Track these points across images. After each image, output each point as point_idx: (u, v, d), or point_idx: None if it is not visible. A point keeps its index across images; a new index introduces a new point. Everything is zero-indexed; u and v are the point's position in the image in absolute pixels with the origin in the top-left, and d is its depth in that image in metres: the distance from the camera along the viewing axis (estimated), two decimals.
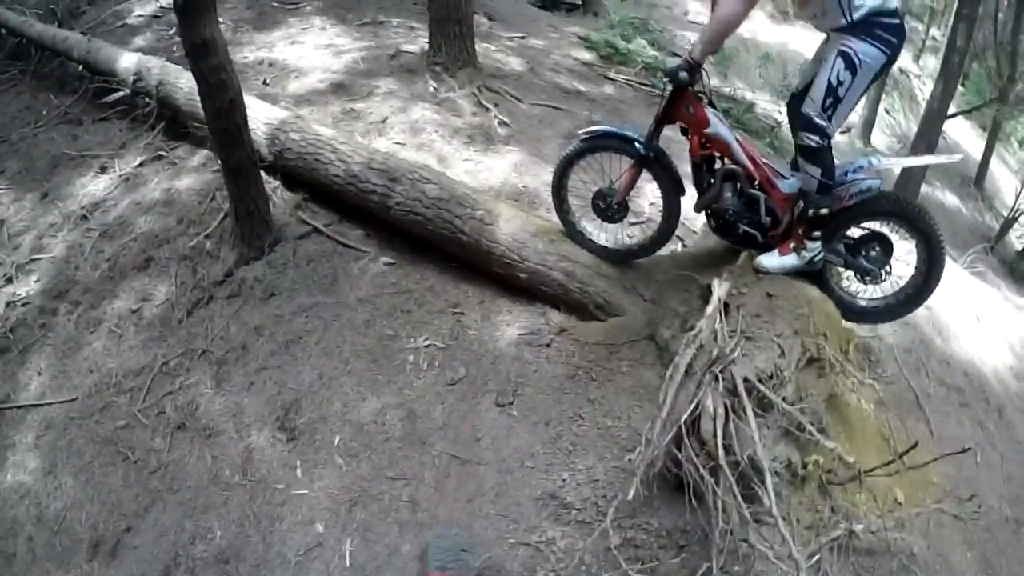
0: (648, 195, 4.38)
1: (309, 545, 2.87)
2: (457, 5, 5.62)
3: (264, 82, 5.71)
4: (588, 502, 2.79)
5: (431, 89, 5.52)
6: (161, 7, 7.37)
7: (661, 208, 3.40)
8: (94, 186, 5.01)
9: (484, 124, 5.13)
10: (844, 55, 2.73)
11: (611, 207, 3.41)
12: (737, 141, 3.11)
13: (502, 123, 5.21)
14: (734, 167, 3.12)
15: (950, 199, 13.42)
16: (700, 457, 2.54)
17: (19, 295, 4.42)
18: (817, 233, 3.06)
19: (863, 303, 3.27)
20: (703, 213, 3.28)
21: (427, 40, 5.91)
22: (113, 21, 7.27)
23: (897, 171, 10.86)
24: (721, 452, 2.47)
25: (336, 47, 6.38)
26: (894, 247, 3.09)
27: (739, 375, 2.63)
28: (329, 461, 3.09)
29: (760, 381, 2.65)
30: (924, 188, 10.74)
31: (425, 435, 3.11)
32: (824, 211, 2.99)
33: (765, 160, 3.12)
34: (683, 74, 2.92)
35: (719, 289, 2.98)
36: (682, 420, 2.55)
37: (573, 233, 3.59)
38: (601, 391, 3.14)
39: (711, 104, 3.10)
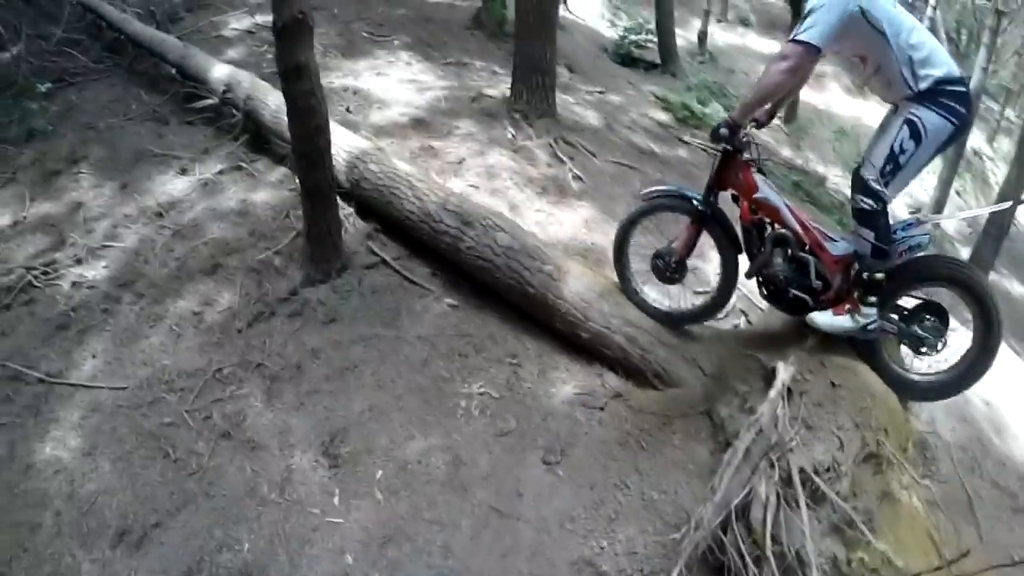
0: (715, 264, 4.40)
1: (335, 575, 2.84)
2: (542, 56, 5.79)
3: (348, 109, 5.88)
4: (624, 573, 2.73)
5: (509, 135, 5.64)
6: (256, 23, 7.67)
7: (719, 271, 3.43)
8: (172, 185, 5.15)
9: (558, 176, 5.21)
10: (910, 123, 2.75)
11: (670, 266, 3.44)
12: (786, 206, 3.15)
13: (576, 177, 5.29)
14: (784, 231, 3.15)
15: (1017, 288, 13.11)
16: (746, 544, 2.49)
17: (86, 277, 4.51)
18: (872, 299, 3.01)
19: (916, 378, 3.20)
20: (755, 280, 3.29)
21: (509, 86, 6.07)
22: (209, 30, 7.57)
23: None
24: (768, 542, 2.44)
25: (419, 83, 6.56)
26: (950, 318, 3.04)
27: (796, 465, 2.60)
28: (368, 494, 3.08)
29: (816, 473, 2.62)
30: (992, 276, 10.50)
31: (468, 482, 3.10)
32: (879, 276, 2.96)
33: (815, 224, 3.15)
34: (723, 130, 3.00)
35: (784, 373, 2.96)
36: (733, 505, 2.53)
37: (631, 293, 3.61)
38: (650, 462, 3.10)
39: (760, 171, 3.17)
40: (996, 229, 10.32)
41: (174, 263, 4.45)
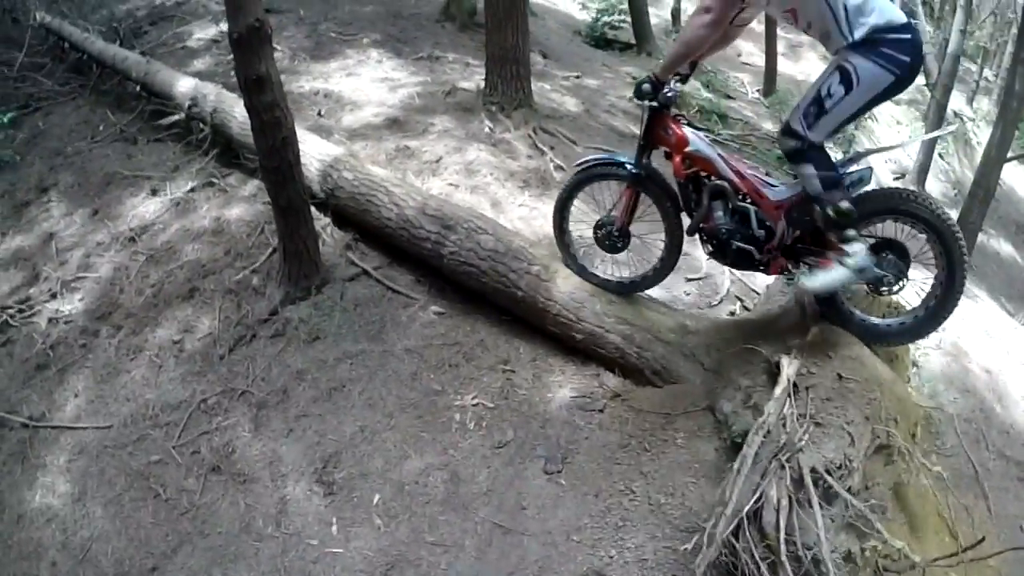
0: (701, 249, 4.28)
1: None
2: (515, 45, 5.61)
3: (319, 113, 5.71)
4: None
5: (486, 129, 5.50)
6: (221, 31, 7.45)
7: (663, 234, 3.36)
8: (144, 207, 5.00)
9: (539, 168, 5.08)
10: (841, 69, 2.63)
11: (612, 236, 3.38)
12: (720, 156, 3.07)
13: (558, 167, 5.16)
14: (721, 183, 3.06)
15: (1005, 248, 13.01)
16: (759, 549, 2.38)
17: (63, 312, 4.40)
18: (850, 233, 2.80)
19: (877, 322, 3.07)
20: (699, 238, 3.21)
21: (483, 78, 5.90)
22: (174, 43, 7.37)
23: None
24: (783, 548, 2.32)
25: (392, 81, 6.40)
26: (910, 254, 2.88)
27: (806, 465, 2.48)
28: (367, 520, 2.98)
29: (828, 472, 2.50)
30: (980, 237, 10.40)
31: (468, 500, 2.99)
32: (844, 205, 2.76)
33: (751, 171, 3.06)
34: (646, 86, 2.97)
35: (788, 368, 2.84)
36: (744, 511, 2.41)
37: (575, 267, 3.56)
38: (655, 464, 2.99)
39: (690, 125, 3.11)
40: (983, 191, 10.25)
41: (150, 290, 4.32)
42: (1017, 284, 12.05)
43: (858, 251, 2.79)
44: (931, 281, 2.93)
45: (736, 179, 3.04)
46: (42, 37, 7.44)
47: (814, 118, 2.72)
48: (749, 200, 3.04)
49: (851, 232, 2.81)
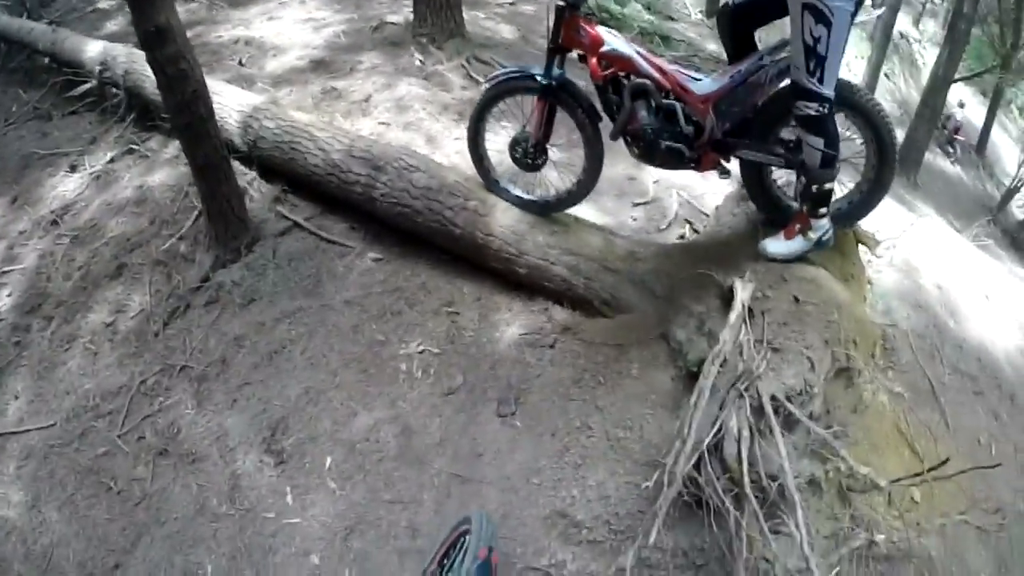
0: (651, 173, 4.06)
1: None
2: None
3: (240, 62, 5.39)
4: (599, 520, 2.52)
5: (417, 63, 5.21)
6: None
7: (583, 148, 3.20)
8: (64, 187, 4.72)
9: (474, 99, 4.77)
10: (810, 7, 2.38)
11: (528, 153, 3.23)
12: (639, 54, 2.87)
13: None
14: (642, 81, 2.87)
15: (951, 168, 13.01)
16: (722, 481, 2.28)
17: None
18: (823, 210, 2.78)
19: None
20: (622, 140, 3.04)
21: (412, 9, 5.58)
22: (84, 7, 6.97)
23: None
24: (747, 479, 2.22)
25: (316, 21, 6.06)
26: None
27: (766, 392, 2.35)
28: (321, 486, 2.85)
29: (788, 399, 2.38)
30: (927, 156, 10.36)
31: (422, 452, 2.86)
32: (828, 186, 2.71)
33: (674, 67, 2.88)
34: None
35: (742, 292, 2.67)
36: (705, 444, 2.29)
37: (493, 187, 3.43)
38: (610, 397, 2.85)
39: (602, 23, 2.92)
40: (929, 111, 10.17)
41: (77, 273, 4.08)
42: (962, 202, 12.05)
43: (824, 226, 2.82)
44: (861, 174, 2.89)
45: (658, 76, 2.84)
46: None
47: (818, 69, 2.47)
48: (673, 96, 2.86)
49: (824, 210, 2.78)
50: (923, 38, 16.54)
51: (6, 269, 4.33)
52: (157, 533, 2.97)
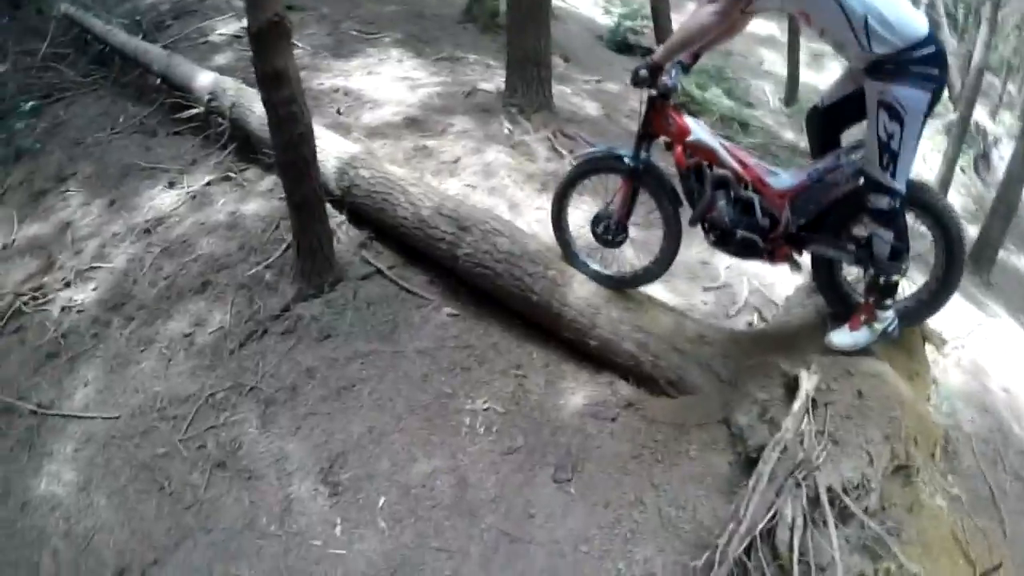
0: (724, 258, 4.21)
1: None
2: (536, 48, 5.59)
3: (338, 111, 5.69)
4: None
5: (506, 131, 5.44)
6: (243, 27, 7.43)
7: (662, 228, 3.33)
8: (160, 200, 4.99)
9: (558, 171, 5.00)
10: (883, 105, 2.52)
11: (609, 230, 3.36)
12: (723, 146, 3.01)
13: None
14: (723, 172, 3.01)
15: None
16: (771, 568, 2.32)
17: (75, 301, 4.40)
18: (889, 302, 2.86)
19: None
20: (700, 226, 3.15)
21: (503, 79, 5.87)
22: (196, 37, 7.37)
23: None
24: (796, 568, 2.26)
25: (412, 80, 6.37)
26: (910, 244, 2.82)
27: (823, 483, 2.41)
28: (371, 523, 2.92)
29: (845, 491, 2.43)
30: (1000, 253, 10.26)
31: (475, 506, 2.93)
32: (895, 279, 2.80)
33: (755, 160, 3.02)
34: (643, 71, 2.90)
35: (807, 383, 2.76)
36: (758, 529, 2.35)
37: (572, 259, 3.56)
38: (666, 475, 2.92)
39: (691, 114, 3.08)
40: (1004, 207, 10.07)
41: (163, 282, 4.30)
42: None
43: (889, 318, 2.90)
44: (929, 274, 2.96)
45: (739, 168, 2.99)
46: (65, 28, 7.45)
47: (891, 164, 2.59)
48: (752, 189, 3.00)
49: (889, 302, 2.87)
50: (1000, 131, 16.45)
51: (95, 265, 4.58)
52: (202, 539, 3.04)
